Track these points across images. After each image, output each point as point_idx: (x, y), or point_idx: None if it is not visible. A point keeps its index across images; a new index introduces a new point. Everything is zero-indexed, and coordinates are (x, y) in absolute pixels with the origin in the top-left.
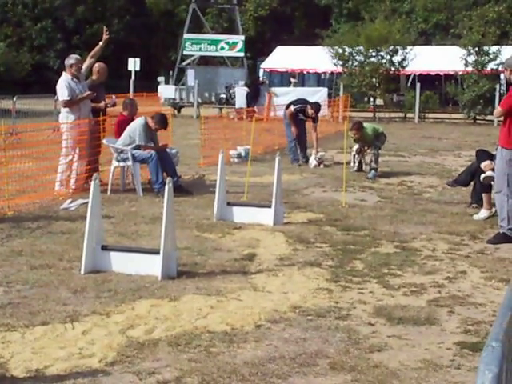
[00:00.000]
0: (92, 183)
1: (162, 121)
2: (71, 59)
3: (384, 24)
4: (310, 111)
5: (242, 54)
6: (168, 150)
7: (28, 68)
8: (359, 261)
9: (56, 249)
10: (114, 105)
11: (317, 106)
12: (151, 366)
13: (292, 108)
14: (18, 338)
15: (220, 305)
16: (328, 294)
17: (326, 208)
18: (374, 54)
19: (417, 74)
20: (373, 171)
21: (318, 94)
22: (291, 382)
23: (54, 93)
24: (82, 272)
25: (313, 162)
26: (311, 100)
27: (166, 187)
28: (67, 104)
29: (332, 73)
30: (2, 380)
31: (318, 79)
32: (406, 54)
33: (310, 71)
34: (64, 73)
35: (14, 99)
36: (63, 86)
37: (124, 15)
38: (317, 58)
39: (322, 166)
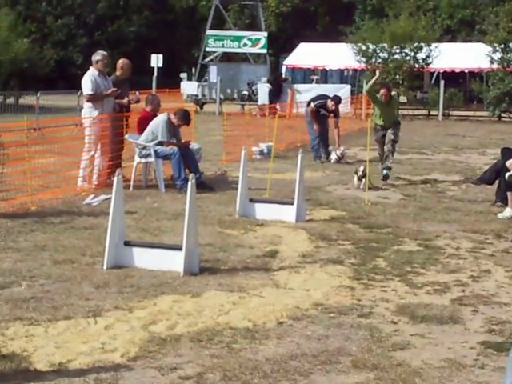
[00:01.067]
0: (115, 179)
1: (185, 116)
2: (98, 55)
3: (408, 21)
4: (330, 104)
5: (264, 51)
6: (190, 146)
7: (52, 64)
8: (382, 259)
9: (79, 244)
10: (137, 101)
11: (336, 99)
12: (173, 361)
13: (312, 105)
14: (41, 332)
15: (242, 301)
16: (350, 291)
17: (349, 205)
18: (397, 50)
19: (441, 71)
20: (386, 170)
21: (341, 91)
22: (313, 379)
23: (78, 88)
24: (105, 267)
25: (333, 156)
26: None
27: (189, 183)
28: (90, 98)
29: (355, 70)
30: (25, 373)
31: (341, 76)
32: (431, 51)
33: (333, 68)
34: (91, 67)
35: (38, 95)
36: (88, 80)
37: (145, 11)
38: (340, 55)
39: (343, 161)
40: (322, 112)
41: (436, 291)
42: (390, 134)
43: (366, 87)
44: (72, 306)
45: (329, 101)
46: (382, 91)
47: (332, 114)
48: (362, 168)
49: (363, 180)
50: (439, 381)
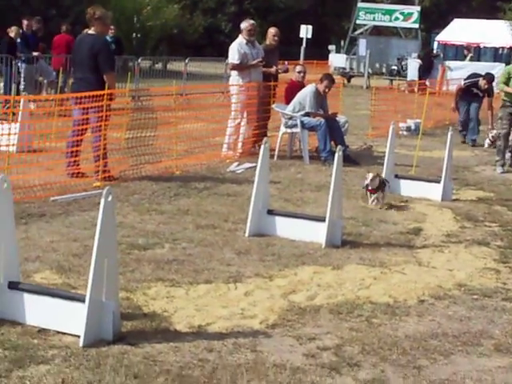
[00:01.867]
0: (262, 147)
1: (329, 77)
2: (247, 23)
3: None
4: (482, 83)
5: (416, 26)
6: (337, 118)
7: (200, 31)
8: None
9: (221, 210)
10: (286, 71)
11: (489, 77)
12: (312, 331)
13: (462, 83)
14: (182, 294)
15: (383, 277)
16: (495, 274)
17: (497, 187)
18: None
19: None
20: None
21: (495, 70)
22: (453, 359)
23: (226, 56)
24: (247, 234)
25: (486, 141)
26: None
27: (336, 155)
28: (234, 67)
29: (510, 48)
30: (165, 333)
31: (495, 54)
32: None
33: (487, 45)
34: (240, 36)
35: (186, 61)
36: (235, 49)
37: None
38: (495, 32)
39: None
40: (474, 91)
41: None
42: None
43: None
44: (213, 271)
45: (481, 79)
46: None
47: (485, 94)
48: (370, 175)
49: (375, 194)
50: None
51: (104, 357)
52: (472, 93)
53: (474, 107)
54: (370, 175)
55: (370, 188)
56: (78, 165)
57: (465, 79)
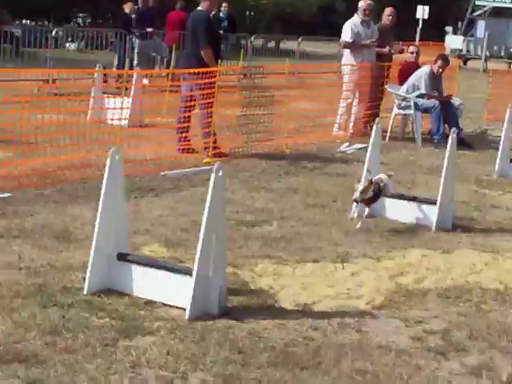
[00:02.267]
0: (374, 128)
1: (443, 57)
2: (364, 3)
3: None
4: None
5: None
6: (452, 100)
7: (314, 10)
8: None
9: (331, 190)
10: (400, 51)
11: None
12: (419, 314)
13: None
14: (288, 271)
15: (495, 262)
16: None
17: None
18: None
19: None
20: None
21: None
22: None
23: (339, 36)
24: (356, 215)
25: None
26: None
27: (450, 138)
28: (347, 45)
29: None
30: (270, 309)
31: None
32: None
33: None
34: (355, 15)
35: (299, 40)
36: (349, 27)
37: None
38: None
39: None
40: None
41: None
42: None
43: None
44: (320, 250)
45: None
46: None
47: None
48: (360, 186)
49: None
50: None
51: (209, 331)
52: None
53: None
54: (360, 186)
55: (360, 200)
56: (188, 140)
57: None
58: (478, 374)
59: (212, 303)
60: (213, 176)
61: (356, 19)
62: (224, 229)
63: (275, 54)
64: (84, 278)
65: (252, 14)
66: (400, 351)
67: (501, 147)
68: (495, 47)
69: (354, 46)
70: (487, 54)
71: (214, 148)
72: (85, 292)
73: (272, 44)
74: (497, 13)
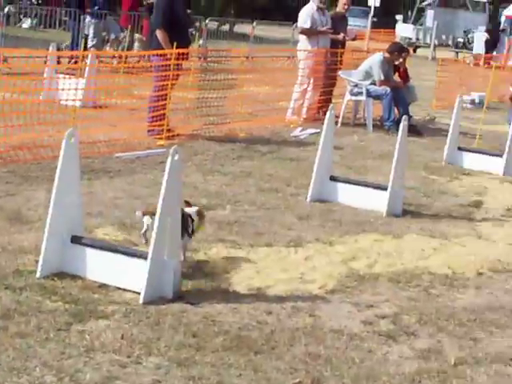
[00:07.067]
0: (327, 113)
1: (401, 47)
2: None
3: None
4: None
5: None
6: (409, 84)
7: None
8: None
9: (284, 174)
10: (354, 38)
11: None
12: (370, 298)
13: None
14: (242, 255)
15: (443, 248)
16: None
17: None
18: None
19: None
20: None
21: None
22: (509, 333)
23: (293, 21)
24: (309, 200)
25: None
26: None
27: (401, 125)
28: (304, 32)
29: None
30: (224, 293)
31: None
32: None
33: None
34: (310, 1)
35: (254, 24)
36: (307, 13)
37: None
38: None
39: None
40: None
41: None
42: None
43: None
44: (274, 234)
45: None
46: None
47: None
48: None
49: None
50: None
51: (163, 314)
52: None
53: None
54: (146, 217)
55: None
56: (160, 120)
57: None
58: (427, 358)
59: (166, 287)
60: (169, 160)
61: (312, 6)
62: (179, 212)
63: (229, 38)
64: (37, 261)
65: None
66: (352, 335)
67: (449, 134)
68: (443, 36)
69: (311, 33)
70: (436, 42)
71: (168, 130)
72: (38, 275)
73: (226, 27)
74: (445, 3)
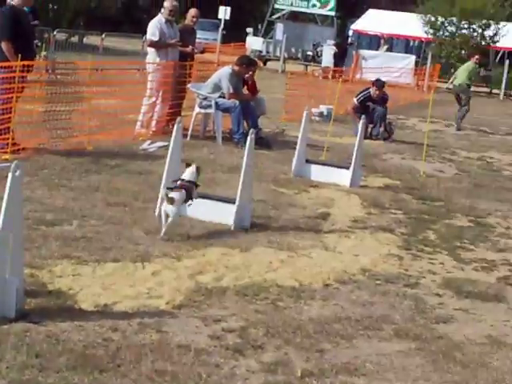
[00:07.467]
0: (175, 126)
1: (250, 60)
2: (169, 3)
3: None
4: (373, 91)
5: (332, 13)
6: (258, 96)
7: (118, 6)
8: (432, 231)
9: (132, 188)
10: (202, 51)
11: (379, 83)
12: (218, 313)
13: (355, 100)
14: (88, 272)
15: (290, 260)
16: (398, 260)
17: (404, 175)
18: (466, 26)
19: (507, 50)
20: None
21: (406, 61)
22: (355, 344)
23: (143, 33)
24: (157, 213)
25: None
26: (398, 66)
27: (249, 138)
28: (153, 44)
29: (421, 41)
30: (70, 311)
31: (407, 46)
32: (499, 29)
33: (400, 37)
34: (159, 14)
35: (103, 36)
36: (154, 26)
37: None
38: (407, 24)
39: (390, 138)
40: (369, 105)
41: (483, 268)
42: None
43: None
44: (121, 249)
45: (371, 89)
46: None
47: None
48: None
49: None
50: (479, 357)
51: (5, 334)
52: (367, 107)
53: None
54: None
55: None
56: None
57: (356, 95)
58: (274, 371)
59: (9, 306)
60: (10, 175)
61: (160, 18)
62: (21, 229)
63: (79, 49)
64: None
65: (55, 7)
66: (199, 350)
67: (297, 147)
68: (293, 49)
69: (160, 45)
70: (285, 55)
71: (14, 144)
72: None
73: (76, 39)
74: (295, 17)
